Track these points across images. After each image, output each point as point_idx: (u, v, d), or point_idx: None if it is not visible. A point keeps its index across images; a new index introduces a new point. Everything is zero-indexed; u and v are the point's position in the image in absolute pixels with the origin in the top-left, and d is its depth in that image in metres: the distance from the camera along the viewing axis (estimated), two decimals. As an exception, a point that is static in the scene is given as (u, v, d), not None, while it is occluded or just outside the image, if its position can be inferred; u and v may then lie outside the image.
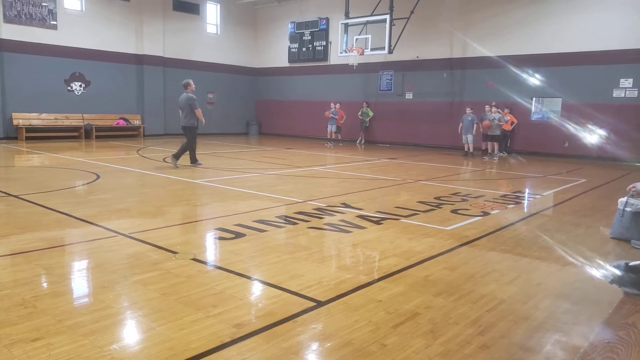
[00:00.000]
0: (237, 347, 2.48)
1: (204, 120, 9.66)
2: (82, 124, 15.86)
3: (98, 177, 7.97)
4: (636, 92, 12.52)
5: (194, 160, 9.68)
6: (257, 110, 21.41)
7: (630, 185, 4.83)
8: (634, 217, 4.63)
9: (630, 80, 12.56)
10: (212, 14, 19.42)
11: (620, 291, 2.96)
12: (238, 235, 4.60)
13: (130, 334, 2.67)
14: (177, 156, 9.54)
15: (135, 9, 16.86)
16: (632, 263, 2.02)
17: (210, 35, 19.41)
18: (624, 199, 4.82)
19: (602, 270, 3.28)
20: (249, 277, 3.56)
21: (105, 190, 6.98)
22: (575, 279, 3.83)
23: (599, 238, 5.00)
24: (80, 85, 15.98)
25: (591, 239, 5.02)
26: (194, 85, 9.75)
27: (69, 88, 15.74)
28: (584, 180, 9.28)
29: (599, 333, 1.51)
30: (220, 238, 4.56)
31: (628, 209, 4.70)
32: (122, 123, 16.76)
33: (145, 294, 3.14)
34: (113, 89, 16.67)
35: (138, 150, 12.77)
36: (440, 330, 2.73)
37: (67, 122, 15.66)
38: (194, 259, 3.88)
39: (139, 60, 17.20)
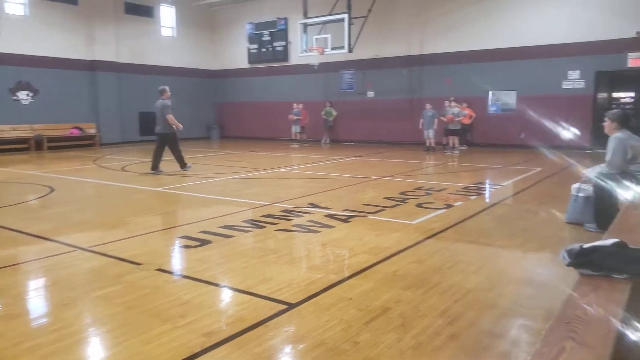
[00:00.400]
0: (207, 356, 2.42)
1: (179, 125, 9.37)
2: (32, 135, 15.03)
3: (52, 190, 7.59)
4: (583, 83, 13.23)
5: (183, 165, 9.53)
6: (219, 113, 21.05)
7: (581, 172, 5.10)
8: (586, 202, 4.88)
9: (577, 72, 13.26)
10: (167, 16, 18.92)
11: (577, 273, 3.10)
12: (204, 242, 4.50)
13: (95, 351, 2.56)
14: (154, 167, 9.26)
15: (84, 14, 16.17)
16: (585, 245, 2.13)
17: (165, 39, 18.91)
18: (576, 185, 5.09)
19: (560, 255, 3.44)
20: (217, 285, 3.49)
21: (61, 203, 6.66)
22: (535, 264, 4.00)
23: (556, 223, 5.25)
24: (28, 94, 15.14)
25: (549, 225, 5.26)
26: (169, 92, 9.64)
27: (15, 97, 14.89)
28: (540, 169, 9.70)
29: (559, 315, 1.58)
30: (185, 246, 4.44)
31: (581, 195, 4.95)
32: (75, 132, 16.03)
33: (109, 308, 3.02)
34: (64, 97, 15.89)
35: (95, 160, 12.27)
36: (410, 323, 2.77)
37: (14, 134, 14.77)
38: (159, 270, 3.76)
39: (91, 66, 16.52)
